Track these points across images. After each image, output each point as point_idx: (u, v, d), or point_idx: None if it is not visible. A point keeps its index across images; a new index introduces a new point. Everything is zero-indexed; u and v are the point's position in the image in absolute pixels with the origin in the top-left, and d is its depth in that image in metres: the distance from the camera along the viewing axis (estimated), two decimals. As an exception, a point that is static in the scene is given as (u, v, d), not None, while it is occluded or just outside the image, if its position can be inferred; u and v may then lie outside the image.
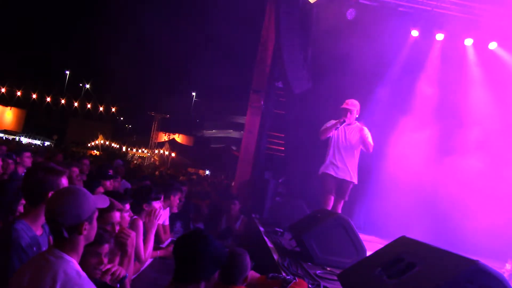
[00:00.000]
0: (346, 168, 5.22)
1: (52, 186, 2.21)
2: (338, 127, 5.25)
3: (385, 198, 6.43)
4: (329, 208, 5.12)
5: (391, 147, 6.69)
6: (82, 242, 1.84)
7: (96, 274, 2.21)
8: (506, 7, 6.55)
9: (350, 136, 5.32)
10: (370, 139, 5.24)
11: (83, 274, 1.77)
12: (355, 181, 5.29)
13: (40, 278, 1.69)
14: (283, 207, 5.73)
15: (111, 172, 5.66)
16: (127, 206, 3.16)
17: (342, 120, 5.23)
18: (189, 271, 1.97)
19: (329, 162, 5.30)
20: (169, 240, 4.72)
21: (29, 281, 1.72)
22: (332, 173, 5.23)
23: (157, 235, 4.10)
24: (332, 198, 5.19)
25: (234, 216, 6.33)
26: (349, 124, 5.33)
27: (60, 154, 10.27)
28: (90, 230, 1.86)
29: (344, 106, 5.34)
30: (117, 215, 2.69)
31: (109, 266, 2.27)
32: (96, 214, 1.91)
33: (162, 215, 4.44)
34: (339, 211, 5.19)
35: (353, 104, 5.31)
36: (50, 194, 2.17)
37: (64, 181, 2.28)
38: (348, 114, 5.26)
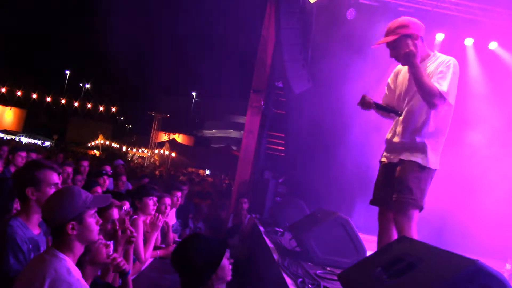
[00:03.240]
0: (402, 139, 2.88)
1: (31, 181, 2.18)
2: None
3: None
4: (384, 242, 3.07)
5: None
6: (74, 241, 1.84)
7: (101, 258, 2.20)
8: (506, 7, 6.55)
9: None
10: (441, 77, 2.79)
11: (75, 272, 1.78)
12: (424, 162, 2.83)
13: (33, 275, 1.72)
14: (283, 207, 5.73)
15: (110, 171, 5.66)
16: (127, 205, 3.16)
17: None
18: (188, 280, 2.01)
19: (389, 133, 3.01)
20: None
21: (25, 278, 1.75)
22: (384, 158, 3.02)
23: (166, 235, 4.11)
24: (386, 215, 3.03)
25: (243, 214, 6.34)
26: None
27: (61, 154, 10.30)
28: (82, 230, 1.85)
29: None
30: (115, 212, 2.69)
31: (115, 255, 2.29)
32: (90, 213, 1.89)
33: (169, 215, 4.45)
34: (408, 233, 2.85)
35: (403, 23, 2.91)
36: (28, 191, 2.16)
37: (47, 177, 2.23)
38: (392, 43, 2.93)
